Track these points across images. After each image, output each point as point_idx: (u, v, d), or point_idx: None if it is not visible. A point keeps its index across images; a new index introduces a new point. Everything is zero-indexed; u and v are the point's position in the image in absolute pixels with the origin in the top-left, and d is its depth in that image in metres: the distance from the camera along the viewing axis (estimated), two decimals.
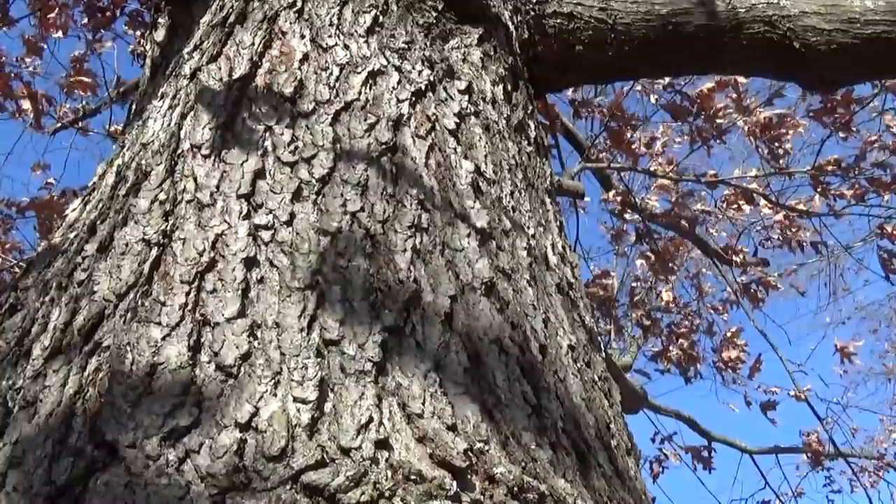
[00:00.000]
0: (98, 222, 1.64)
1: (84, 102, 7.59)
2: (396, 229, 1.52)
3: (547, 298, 1.71)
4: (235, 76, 1.88)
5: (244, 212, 1.51)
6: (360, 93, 1.85)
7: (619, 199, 5.79)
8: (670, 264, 6.53)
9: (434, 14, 2.22)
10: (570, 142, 6.22)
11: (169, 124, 1.85)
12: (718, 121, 5.28)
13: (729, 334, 6.79)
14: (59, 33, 7.12)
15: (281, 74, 1.88)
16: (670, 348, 6.93)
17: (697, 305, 7.71)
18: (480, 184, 1.80)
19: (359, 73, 1.91)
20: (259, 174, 1.60)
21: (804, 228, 6.58)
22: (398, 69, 1.96)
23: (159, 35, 2.77)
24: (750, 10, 3.34)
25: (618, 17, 3.18)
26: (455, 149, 1.84)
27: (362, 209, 1.53)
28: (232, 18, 2.11)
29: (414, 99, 1.90)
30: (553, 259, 1.90)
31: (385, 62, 1.97)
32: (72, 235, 1.73)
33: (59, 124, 6.55)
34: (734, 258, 6.41)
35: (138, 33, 5.66)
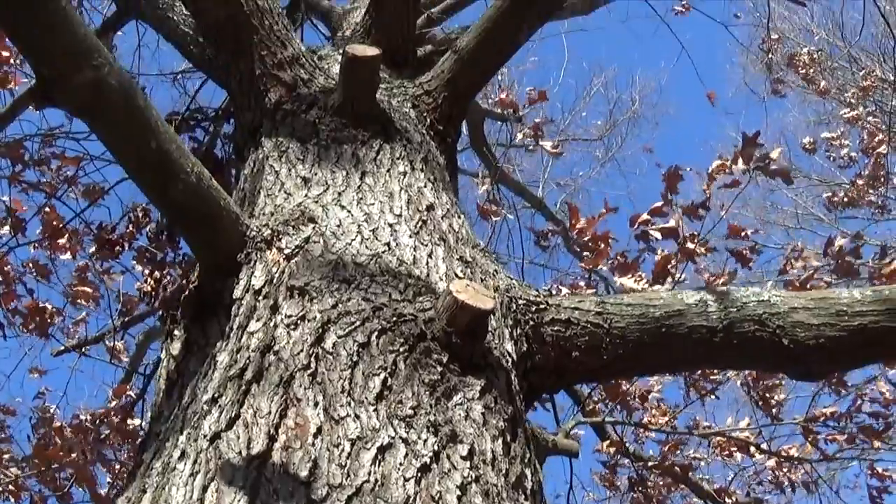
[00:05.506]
0: None
1: (86, 316, 7.78)
2: None
3: None
4: (254, 452, 1.99)
5: None
6: (369, 473, 1.96)
7: (612, 450, 5.87)
8: None
9: (439, 369, 2.35)
10: (569, 395, 6.33)
11: (191, 496, 1.95)
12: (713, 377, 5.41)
13: None
14: (68, 255, 7.38)
15: (296, 452, 1.99)
16: None
17: None
18: None
19: (368, 448, 2.02)
20: None
21: (795, 471, 6.61)
22: (405, 441, 2.08)
23: (175, 347, 2.91)
24: (741, 310, 3.43)
25: (613, 321, 3.32)
26: None
27: None
28: (249, 375, 2.24)
29: (420, 475, 2.01)
30: None
31: (393, 433, 2.08)
32: None
33: (62, 347, 6.68)
34: (727, 501, 6.41)
35: (146, 271, 5.84)
